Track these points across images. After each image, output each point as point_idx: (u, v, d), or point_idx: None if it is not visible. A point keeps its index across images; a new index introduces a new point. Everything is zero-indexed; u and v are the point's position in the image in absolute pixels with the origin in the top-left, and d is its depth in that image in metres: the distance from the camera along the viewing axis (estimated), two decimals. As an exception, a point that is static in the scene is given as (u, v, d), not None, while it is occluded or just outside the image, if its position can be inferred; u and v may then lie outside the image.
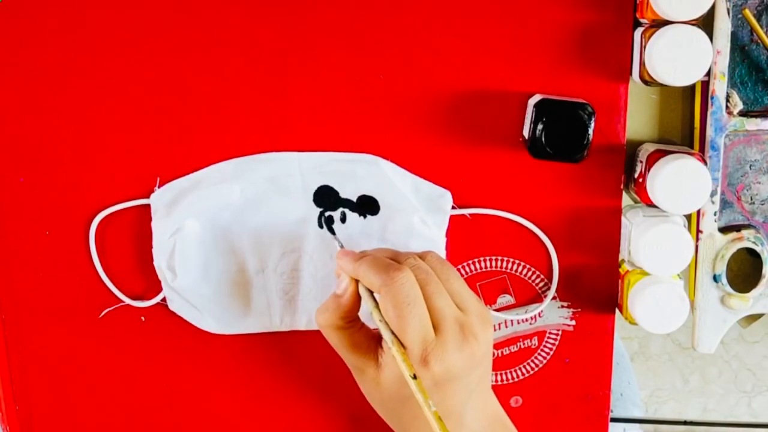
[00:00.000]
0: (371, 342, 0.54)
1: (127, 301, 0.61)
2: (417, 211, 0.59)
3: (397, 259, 0.53)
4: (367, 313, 0.54)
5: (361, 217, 0.60)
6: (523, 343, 0.63)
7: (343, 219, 0.60)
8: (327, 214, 0.60)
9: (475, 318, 0.52)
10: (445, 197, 0.60)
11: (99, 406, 0.63)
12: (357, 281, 0.54)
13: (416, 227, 0.59)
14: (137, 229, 0.60)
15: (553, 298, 0.62)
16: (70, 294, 0.61)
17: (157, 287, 0.61)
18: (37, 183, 0.60)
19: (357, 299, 0.54)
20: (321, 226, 0.60)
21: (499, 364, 0.63)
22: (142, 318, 0.62)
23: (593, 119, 0.55)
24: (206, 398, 0.62)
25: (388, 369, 0.52)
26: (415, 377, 0.49)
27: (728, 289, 0.60)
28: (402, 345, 0.50)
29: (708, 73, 0.57)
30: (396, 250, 0.55)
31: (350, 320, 0.54)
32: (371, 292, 0.53)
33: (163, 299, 0.61)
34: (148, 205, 0.59)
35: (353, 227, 0.60)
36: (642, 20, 0.56)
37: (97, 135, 0.59)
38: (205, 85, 0.59)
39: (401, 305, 0.50)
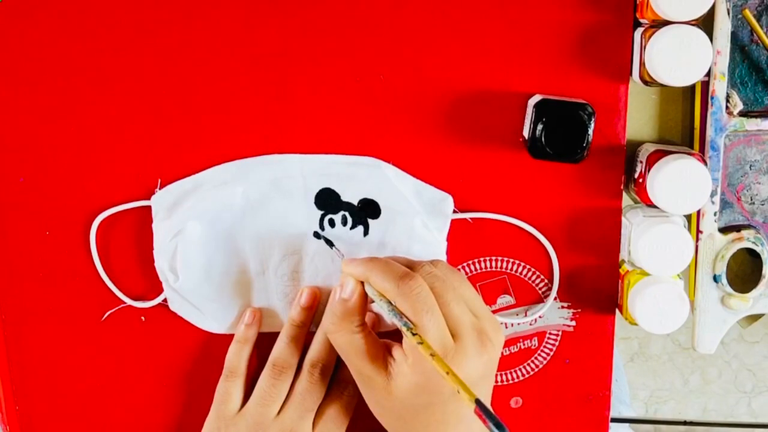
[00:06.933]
0: (381, 350, 0.53)
1: (128, 301, 0.61)
2: (418, 214, 0.59)
3: (411, 267, 0.52)
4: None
5: (362, 221, 0.60)
6: (524, 344, 0.63)
7: (344, 222, 0.60)
8: (328, 216, 0.60)
9: (489, 324, 0.52)
10: (447, 201, 0.60)
11: (99, 406, 0.63)
12: (362, 283, 0.53)
13: (417, 231, 0.59)
14: (138, 230, 0.60)
15: (554, 298, 0.62)
16: (70, 294, 0.61)
17: (157, 287, 0.61)
18: (37, 183, 0.60)
19: (365, 302, 0.53)
20: (321, 231, 0.60)
21: (499, 365, 0.63)
22: (143, 318, 0.62)
23: (593, 119, 0.55)
24: (207, 398, 0.62)
25: (401, 378, 0.51)
26: (434, 356, 0.47)
27: (728, 289, 0.60)
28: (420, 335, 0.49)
29: (708, 73, 0.57)
30: (409, 258, 0.54)
31: (360, 324, 0.53)
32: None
33: (164, 300, 0.61)
34: (149, 206, 0.59)
35: (354, 231, 0.60)
36: (642, 20, 0.56)
37: (98, 135, 0.59)
38: (207, 86, 0.59)
39: (419, 313, 0.49)
